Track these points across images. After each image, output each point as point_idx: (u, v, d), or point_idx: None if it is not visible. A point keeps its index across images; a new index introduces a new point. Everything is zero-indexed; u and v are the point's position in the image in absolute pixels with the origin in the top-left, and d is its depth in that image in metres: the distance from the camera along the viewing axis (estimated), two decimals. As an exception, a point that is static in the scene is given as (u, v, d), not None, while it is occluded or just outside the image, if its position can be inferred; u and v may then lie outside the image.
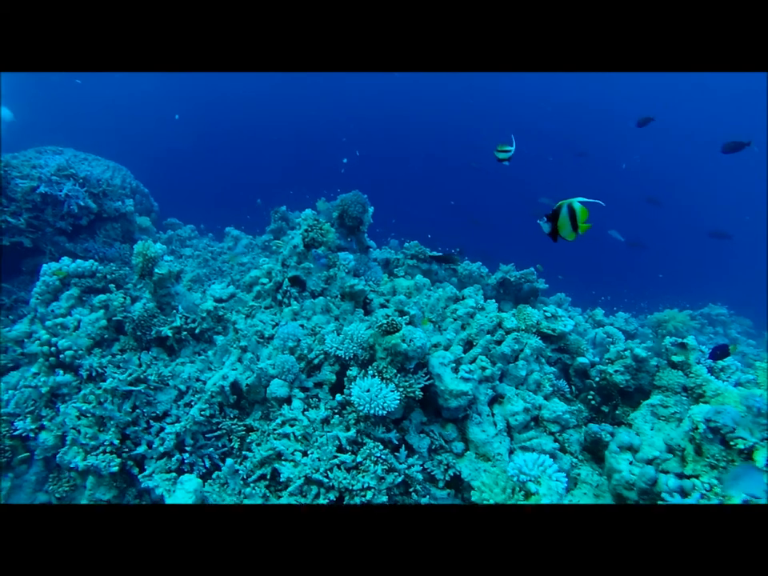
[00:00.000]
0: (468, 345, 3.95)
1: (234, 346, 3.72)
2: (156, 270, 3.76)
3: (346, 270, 4.34)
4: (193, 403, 3.37)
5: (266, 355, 3.71)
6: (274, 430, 3.10)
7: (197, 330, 3.84)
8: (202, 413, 3.22)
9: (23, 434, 3.27)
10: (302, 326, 3.90)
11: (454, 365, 3.49)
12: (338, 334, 3.89)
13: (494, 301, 4.50)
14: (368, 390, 2.99)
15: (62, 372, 3.55)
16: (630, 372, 3.88)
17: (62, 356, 3.66)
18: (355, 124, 26.22)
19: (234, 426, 3.30)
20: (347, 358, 3.41)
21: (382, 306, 4.29)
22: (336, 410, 3.24)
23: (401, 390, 3.12)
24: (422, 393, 3.22)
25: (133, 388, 3.15)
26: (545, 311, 4.42)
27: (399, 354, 3.27)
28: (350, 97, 27.89)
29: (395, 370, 3.28)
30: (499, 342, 4.00)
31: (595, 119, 27.32)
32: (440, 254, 5.82)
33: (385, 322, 3.37)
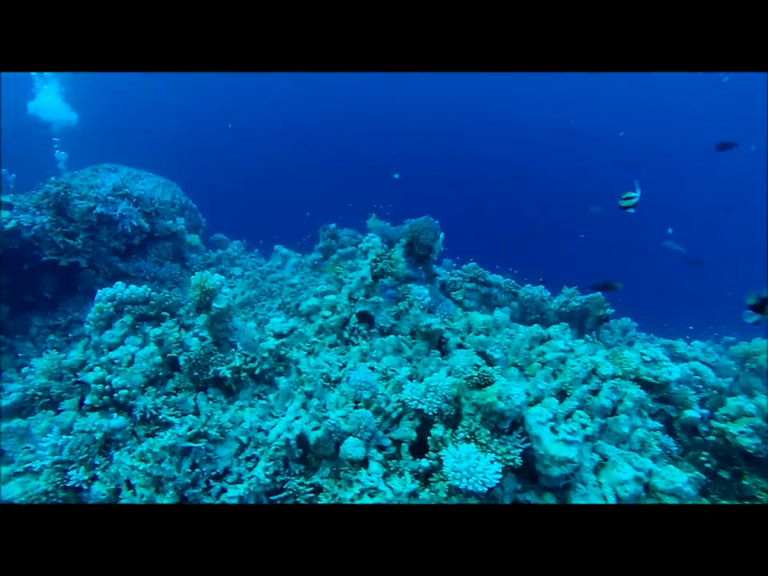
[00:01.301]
0: (560, 394, 3.45)
1: (298, 390, 3.35)
2: (214, 305, 3.45)
3: (421, 307, 3.92)
4: (255, 458, 3.01)
5: (332, 401, 3.32)
6: (352, 500, 2.68)
7: (257, 371, 3.50)
8: (266, 473, 2.84)
9: (76, 486, 2.99)
10: (371, 368, 3.50)
11: (553, 423, 2.99)
12: (412, 379, 3.47)
13: (582, 342, 3.97)
14: (463, 459, 2.54)
15: (115, 415, 3.27)
16: (762, 434, 3.27)
17: (115, 395, 3.39)
18: (400, 137, 25.91)
19: (300, 487, 2.91)
20: (430, 414, 2.97)
21: (459, 346, 3.83)
22: (421, 477, 2.80)
23: (499, 458, 2.65)
24: (521, 460, 2.75)
25: (193, 444, 2.81)
26: (643, 355, 3.85)
27: (494, 413, 2.81)
28: (395, 109, 27.63)
29: (488, 431, 2.82)
30: (595, 392, 3.48)
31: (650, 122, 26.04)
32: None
33: (476, 374, 2.91)
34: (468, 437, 2.77)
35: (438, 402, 2.99)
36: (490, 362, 3.58)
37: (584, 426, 3.10)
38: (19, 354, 5.25)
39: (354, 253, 7.69)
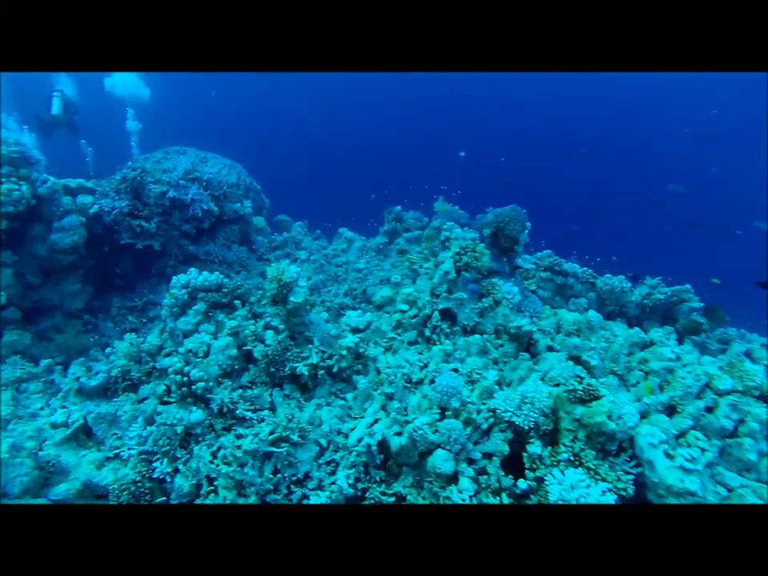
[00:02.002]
0: (669, 409, 3.05)
1: (378, 391, 3.18)
2: (291, 299, 3.32)
3: (510, 306, 3.61)
4: (335, 463, 2.89)
5: (414, 404, 3.13)
6: (442, 521, 2.49)
7: (334, 369, 3.36)
8: (349, 481, 2.71)
9: (160, 477, 3.01)
10: (455, 370, 3.26)
11: (666, 445, 2.63)
12: (500, 384, 3.19)
13: (690, 345, 3.51)
14: (571, 488, 2.26)
15: (194, 408, 3.25)
16: None
17: (194, 387, 3.38)
18: (467, 121, 24.77)
19: (383, 497, 2.76)
20: (526, 428, 2.69)
21: (550, 348, 3.50)
22: (516, 497, 2.55)
23: (610, 486, 2.34)
24: (633, 488, 2.43)
25: (275, 449, 2.72)
26: None
27: (603, 434, 2.49)
28: (463, 93, 26.35)
29: (594, 452, 2.51)
30: (710, 410, 3.05)
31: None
32: None
33: (580, 388, 2.60)
34: (573, 459, 2.48)
35: (535, 416, 2.70)
36: (586, 368, 3.23)
37: (703, 451, 2.72)
38: (93, 336, 5.45)
39: (420, 237, 7.41)
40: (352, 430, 3.05)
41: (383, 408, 3.15)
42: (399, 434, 2.96)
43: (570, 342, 3.40)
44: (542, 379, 3.20)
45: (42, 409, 4.12)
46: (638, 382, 3.21)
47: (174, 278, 4.38)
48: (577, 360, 3.31)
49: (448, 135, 22.73)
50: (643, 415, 2.90)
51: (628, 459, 2.55)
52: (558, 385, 3.03)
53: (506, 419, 2.77)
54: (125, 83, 11.11)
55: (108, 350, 4.87)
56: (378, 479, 2.87)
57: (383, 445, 2.91)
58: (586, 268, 6.58)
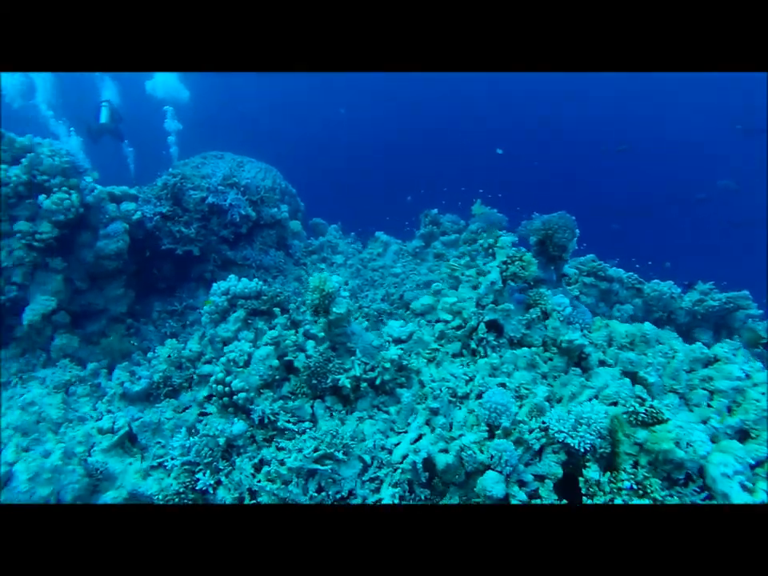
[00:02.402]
0: (739, 433, 2.82)
1: (423, 406, 3.08)
2: (334, 309, 3.25)
3: (561, 318, 3.43)
4: (379, 480, 2.80)
5: (460, 420, 3.01)
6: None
7: (377, 381, 3.28)
8: (394, 500, 2.62)
9: (203, 489, 3.00)
10: (503, 384, 3.12)
11: (742, 476, 2.42)
12: (550, 400, 3.03)
13: (760, 364, 3.24)
14: (637, 522, 2.10)
15: (236, 420, 3.23)
16: None
17: (235, 397, 3.36)
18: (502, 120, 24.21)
19: (428, 518, 2.65)
20: (582, 451, 2.53)
21: (603, 363, 3.31)
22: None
23: (680, 520, 2.17)
24: (705, 523, 2.24)
25: (319, 467, 2.66)
26: None
27: (670, 462, 2.31)
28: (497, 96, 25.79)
29: (659, 480, 2.33)
30: (786, 432, 2.80)
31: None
32: None
33: (642, 410, 2.42)
34: (636, 488, 2.30)
35: (592, 438, 2.54)
36: (643, 385, 3.03)
37: (782, 482, 2.49)
38: (133, 343, 5.56)
39: (457, 241, 7.25)
40: (396, 445, 2.96)
41: (427, 423, 3.04)
42: (445, 451, 2.85)
43: (624, 357, 3.20)
44: (596, 396, 3.02)
45: (93, 409, 4.23)
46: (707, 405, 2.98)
47: (214, 284, 4.41)
48: (633, 376, 3.11)
49: (479, 134, 22.34)
50: (711, 439, 2.69)
51: (698, 490, 2.36)
52: (614, 404, 2.85)
53: (560, 440, 2.61)
54: (165, 85, 11.41)
55: (150, 354, 4.95)
56: (423, 498, 2.77)
57: (428, 462, 2.81)
58: (631, 273, 6.29)
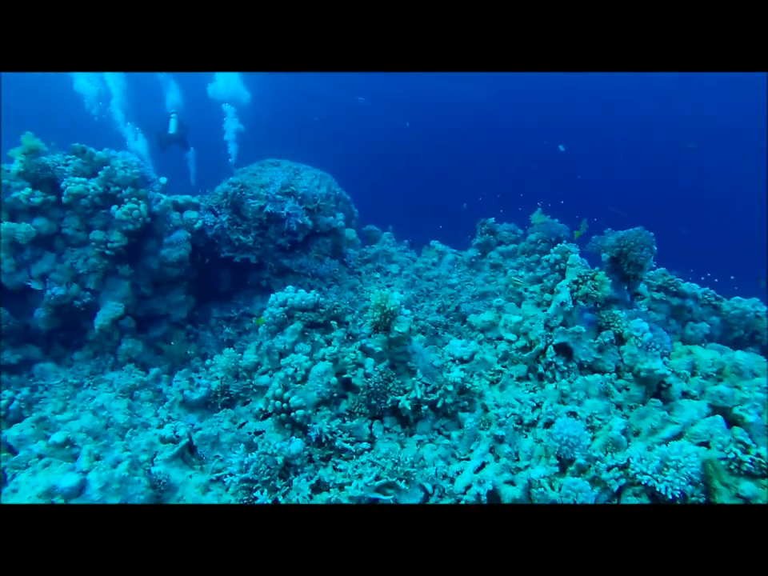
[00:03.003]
0: None
1: (487, 432, 2.90)
2: (396, 328, 3.14)
3: (639, 345, 3.14)
4: (441, 512, 2.65)
5: (526, 449, 2.81)
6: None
7: (438, 404, 3.13)
8: (458, 536, 2.46)
9: (260, 506, 2.97)
10: (573, 413, 2.88)
11: None
12: (626, 433, 2.77)
13: None
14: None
15: (294, 438, 3.19)
16: None
17: (293, 414, 3.32)
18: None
19: (494, 558, 2.47)
20: (670, 497, 2.27)
21: (685, 394, 2.99)
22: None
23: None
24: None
25: (381, 497, 2.56)
26: None
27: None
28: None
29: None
30: None
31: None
32: None
33: (747, 459, 2.13)
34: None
35: (682, 484, 2.27)
36: (738, 424, 2.70)
37: None
38: (190, 352, 5.70)
39: (515, 251, 6.98)
40: (458, 473, 2.80)
41: (491, 451, 2.86)
42: (511, 483, 2.66)
43: (713, 390, 2.87)
44: (682, 434, 2.73)
45: (155, 415, 4.36)
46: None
47: (272, 295, 4.42)
48: (724, 412, 2.78)
49: (538, 135, 21.56)
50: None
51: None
52: (706, 445, 2.55)
53: (643, 482, 2.36)
54: (227, 87, 11.87)
55: (208, 361, 5.06)
56: (487, 535, 2.59)
57: (493, 494, 2.63)
58: (706, 288, 5.77)
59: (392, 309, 3.10)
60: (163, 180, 6.01)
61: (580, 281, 3.19)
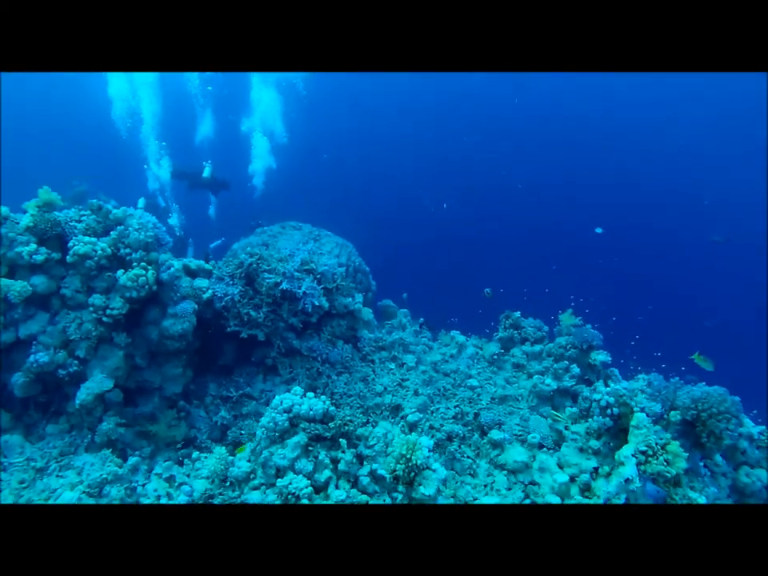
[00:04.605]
0: None
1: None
2: (421, 490, 2.61)
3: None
4: None
5: None
6: None
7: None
8: None
9: None
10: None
11: None
12: None
13: None
14: None
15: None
16: None
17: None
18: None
19: None
20: None
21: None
22: None
23: None
24: None
25: None
26: None
27: None
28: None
29: None
30: None
31: None
32: None
33: None
34: None
35: None
36: None
37: None
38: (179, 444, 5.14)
39: (541, 353, 6.47)
40: None
41: None
42: None
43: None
44: None
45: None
46: None
47: (276, 398, 3.93)
48: None
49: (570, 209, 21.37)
50: None
51: None
52: None
53: None
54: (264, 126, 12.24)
55: (195, 454, 4.49)
56: None
57: None
58: (764, 427, 5.16)
59: (419, 462, 2.57)
60: (181, 218, 5.81)
61: (650, 452, 2.67)
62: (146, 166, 10.01)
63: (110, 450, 4.40)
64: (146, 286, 4.78)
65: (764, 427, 5.15)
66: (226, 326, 5.52)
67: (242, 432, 4.99)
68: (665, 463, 2.62)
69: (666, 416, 3.17)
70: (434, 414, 5.23)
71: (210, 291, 5.38)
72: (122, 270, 4.75)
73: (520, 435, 4.77)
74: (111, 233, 4.90)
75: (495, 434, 4.64)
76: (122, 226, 4.98)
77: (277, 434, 3.80)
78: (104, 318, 4.63)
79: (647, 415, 4.42)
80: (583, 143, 25.24)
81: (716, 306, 18.51)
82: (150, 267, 4.90)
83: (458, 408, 5.27)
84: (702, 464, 3.11)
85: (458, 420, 5.17)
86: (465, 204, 21.60)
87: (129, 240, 4.93)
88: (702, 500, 2.70)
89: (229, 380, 5.74)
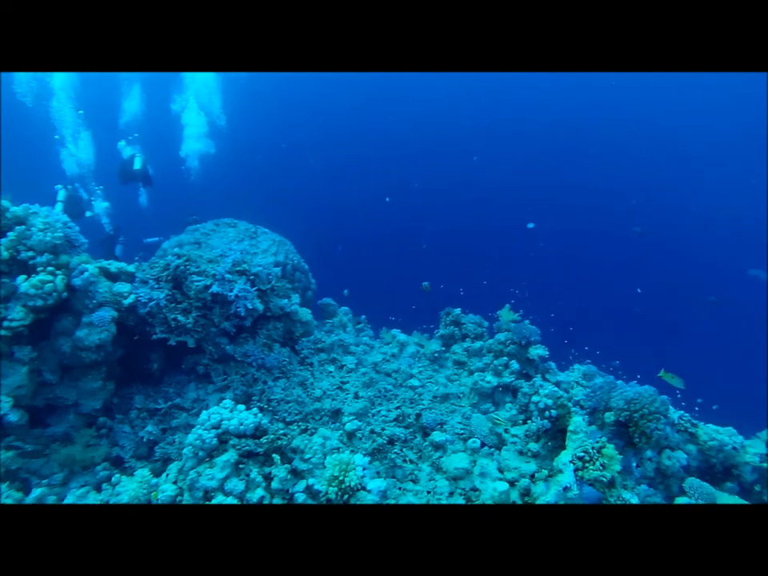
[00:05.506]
0: None
1: None
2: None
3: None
4: None
5: None
6: None
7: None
8: None
9: None
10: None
11: None
12: None
13: None
14: None
15: None
16: None
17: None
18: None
19: None
20: None
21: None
22: None
23: None
24: None
25: None
26: None
27: None
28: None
29: None
30: None
31: None
32: None
33: None
34: None
35: None
36: None
37: None
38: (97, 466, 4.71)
39: (481, 350, 6.55)
40: None
41: None
42: None
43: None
44: None
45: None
46: None
47: (203, 413, 3.66)
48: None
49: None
50: None
51: None
52: None
53: None
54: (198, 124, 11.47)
55: (115, 477, 4.12)
56: None
57: None
58: (682, 412, 5.52)
59: (352, 484, 2.44)
60: (61, 195, 5.26)
61: (587, 458, 2.70)
62: (59, 141, 8.89)
63: (8, 482, 3.92)
64: (54, 293, 4.30)
65: (683, 412, 5.52)
66: (151, 333, 5.11)
67: (172, 448, 4.64)
68: (601, 467, 2.67)
69: (601, 416, 3.25)
70: (375, 418, 5.14)
71: (131, 297, 4.94)
72: (24, 276, 4.23)
73: (462, 434, 4.80)
74: (9, 234, 4.35)
75: (437, 436, 4.62)
76: (23, 226, 4.44)
77: (204, 453, 3.53)
78: (1, 332, 4.10)
79: (582, 407, 4.59)
80: (508, 139, 25.94)
81: (647, 294, 19.81)
82: (59, 272, 4.41)
83: (399, 410, 5.20)
84: (634, 464, 3.23)
85: (400, 422, 5.10)
86: (405, 199, 21.69)
87: (31, 242, 4.41)
88: (634, 500, 2.79)
89: (157, 391, 5.33)
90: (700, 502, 4.59)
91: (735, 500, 4.39)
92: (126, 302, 4.91)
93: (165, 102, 11.91)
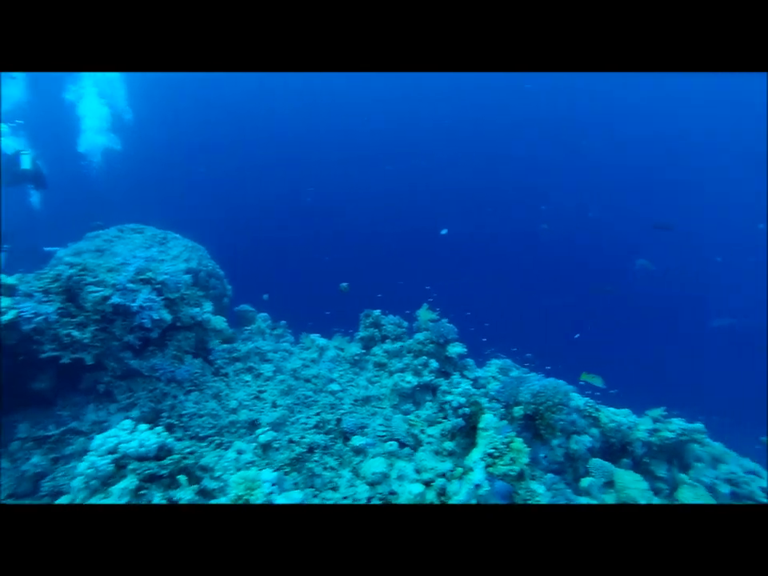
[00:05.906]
0: None
1: None
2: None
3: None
4: None
5: None
6: None
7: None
8: None
9: None
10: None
11: None
12: None
13: None
14: None
15: None
16: None
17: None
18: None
19: None
20: None
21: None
22: None
23: None
24: None
25: None
26: None
27: None
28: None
29: None
30: None
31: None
32: None
33: None
34: None
35: None
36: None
37: None
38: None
39: (401, 350, 6.67)
40: None
41: None
42: None
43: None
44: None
45: None
46: None
47: (96, 437, 3.35)
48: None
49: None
50: None
51: None
52: None
53: None
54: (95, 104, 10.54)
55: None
56: None
57: None
58: (587, 399, 6.00)
59: (258, 503, 2.36)
60: None
61: (496, 454, 2.82)
62: None
63: None
64: None
65: (588, 399, 6.00)
66: (39, 352, 4.59)
67: (64, 480, 4.20)
68: (510, 462, 2.82)
69: (510, 411, 3.44)
70: (295, 426, 5.04)
71: (11, 313, 4.41)
72: None
73: (383, 436, 4.85)
74: None
75: (357, 440, 4.62)
76: None
77: (98, 482, 3.24)
78: None
79: (498, 401, 4.83)
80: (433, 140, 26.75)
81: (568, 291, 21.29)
82: None
83: (319, 416, 5.15)
84: (542, 455, 3.45)
85: (320, 429, 5.04)
86: (324, 199, 21.59)
87: None
88: (541, 489, 2.98)
89: (48, 415, 4.81)
90: (602, 480, 5.02)
91: (630, 474, 4.74)
92: (5, 318, 4.38)
93: (57, 90, 10.80)
